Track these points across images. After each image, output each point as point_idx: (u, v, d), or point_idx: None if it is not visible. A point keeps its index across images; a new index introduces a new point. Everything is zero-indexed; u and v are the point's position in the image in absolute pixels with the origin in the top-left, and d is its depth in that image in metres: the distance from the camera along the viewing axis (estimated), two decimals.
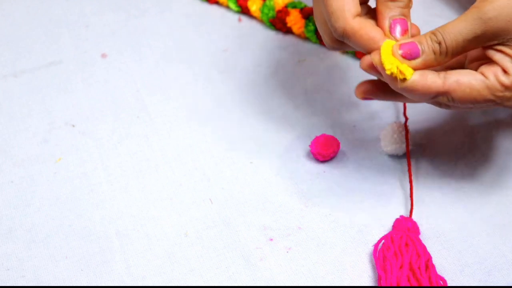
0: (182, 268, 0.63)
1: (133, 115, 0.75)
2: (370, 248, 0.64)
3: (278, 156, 0.71)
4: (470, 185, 0.67)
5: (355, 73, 0.77)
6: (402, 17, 0.60)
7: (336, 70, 0.77)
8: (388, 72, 0.57)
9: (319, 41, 0.79)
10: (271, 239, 0.65)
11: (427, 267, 0.61)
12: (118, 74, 0.78)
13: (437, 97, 0.58)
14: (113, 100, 0.76)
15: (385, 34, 0.59)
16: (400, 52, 0.58)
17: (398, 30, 0.59)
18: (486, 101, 0.58)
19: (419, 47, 0.58)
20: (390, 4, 0.59)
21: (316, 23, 0.63)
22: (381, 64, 0.58)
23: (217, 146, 0.72)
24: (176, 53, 0.80)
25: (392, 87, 0.58)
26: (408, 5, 0.60)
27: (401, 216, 0.65)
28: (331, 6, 0.59)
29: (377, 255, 0.62)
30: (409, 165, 0.68)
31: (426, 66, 0.58)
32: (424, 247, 0.62)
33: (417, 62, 0.58)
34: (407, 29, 0.59)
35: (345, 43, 0.61)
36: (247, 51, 0.80)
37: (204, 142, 0.72)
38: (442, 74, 0.58)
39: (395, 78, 0.57)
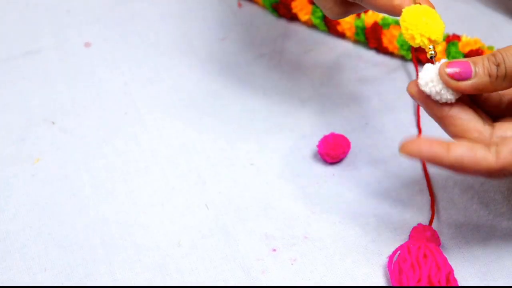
0: (174, 281, 0.63)
1: (120, 111, 0.75)
2: (384, 259, 0.64)
3: (282, 157, 0.71)
4: (496, 189, 0.67)
5: (367, 64, 0.77)
6: None
7: (347, 61, 0.77)
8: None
9: (328, 29, 0.79)
10: (274, 250, 0.65)
11: (448, 281, 0.61)
12: (104, 65, 0.78)
13: (490, 175, 0.57)
14: (98, 94, 0.76)
15: None
16: (447, 71, 0.58)
17: None
18: None
19: (472, 68, 0.58)
20: None
21: None
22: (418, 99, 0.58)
23: (214, 145, 0.72)
24: (168, 42, 0.80)
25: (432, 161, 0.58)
26: None
27: (419, 224, 0.65)
28: None
29: (392, 268, 0.62)
30: (424, 167, 0.68)
31: (478, 90, 0.58)
32: (445, 259, 0.62)
33: (467, 83, 0.58)
34: None
35: (353, 6, 0.61)
36: (247, 40, 0.80)
37: (199, 141, 0.72)
38: (493, 147, 0.57)
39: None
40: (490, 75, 0.58)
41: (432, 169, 0.69)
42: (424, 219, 0.66)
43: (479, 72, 0.58)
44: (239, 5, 0.83)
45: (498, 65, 0.58)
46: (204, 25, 0.81)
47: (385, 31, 0.76)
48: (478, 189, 0.67)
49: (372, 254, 0.64)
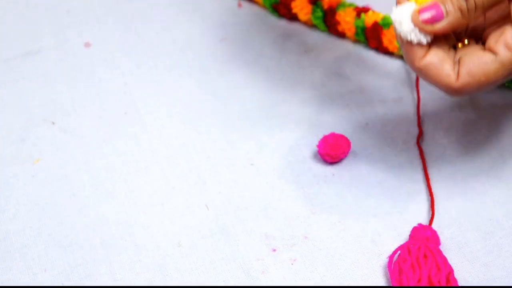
0: (174, 281, 0.63)
1: (120, 111, 0.75)
2: (384, 260, 0.64)
3: (282, 157, 0.71)
4: (496, 189, 0.67)
5: (368, 64, 0.77)
6: None
7: (347, 62, 0.77)
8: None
9: (328, 29, 0.79)
10: (274, 250, 0.65)
11: (448, 281, 0.61)
12: (104, 65, 0.78)
13: (452, 92, 0.60)
14: (98, 94, 0.76)
15: None
16: (420, 18, 0.59)
17: None
18: (505, 77, 0.59)
19: (442, 8, 0.59)
20: None
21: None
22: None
23: (214, 145, 0.72)
24: (168, 42, 0.80)
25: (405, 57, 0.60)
26: None
27: (419, 224, 0.65)
28: None
29: (392, 268, 0.62)
30: (424, 167, 0.68)
31: (453, 28, 0.59)
32: (445, 259, 0.62)
33: (441, 25, 0.59)
34: None
35: None
36: (248, 40, 0.80)
37: (199, 141, 0.72)
38: (457, 66, 0.59)
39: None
40: (461, 10, 0.59)
41: (432, 169, 0.69)
42: (424, 219, 0.66)
43: (450, 10, 0.59)
44: (239, 5, 0.83)
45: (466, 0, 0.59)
46: (204, 25, 0.81)
47: (385, 31, 0.76)
48: (478, 189, 0.67)
49: (372, 254, 0.64)
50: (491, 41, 0.59)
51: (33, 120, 0.74)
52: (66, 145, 0.72)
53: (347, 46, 0.79)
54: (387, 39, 0.76)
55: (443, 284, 0.61)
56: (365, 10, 0.77)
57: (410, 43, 0.60)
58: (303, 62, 0.78)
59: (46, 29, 0.81)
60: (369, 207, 0.67)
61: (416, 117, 0.73)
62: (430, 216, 0.66)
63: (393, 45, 0.76)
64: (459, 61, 0.59)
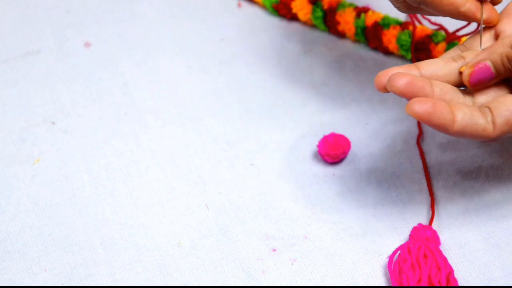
0: (175, 281, 0.63)
1: (120, 111, 0.75)
2: (384, 259, 0.64)
3: (282, 157, 0.71)
4: (496, 189, 0.67)
5: (367, 64, 0.77)
6: None
7: (347, 61, 0.78)
8: None
9: (328, 29, 0.79)
10: (274, 250, 0.65)
11: (448, 281, 0.61)
12: (103, 65, 0.78)
13: (491, 141, 0.60)
14: (98, 94, 0.76)
15: None
16: (471, 82, 0.60)
17: None
18: None
19: (493, 70, 0.60)
20: None
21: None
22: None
23: (214, 146, 0.72)
24: (168, 42, 0.80)
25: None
26: None
27: (420, 224, 0.65)
28: None
29: (392, 268, 0.63)
30: (425, 167, 0.68)
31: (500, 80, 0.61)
32: (445, 259, 0.62)
33: (490, 84, 0.61)
34: None
35: (422, 9, 0.64)
36: (247, 41, 0.80)
37: (200, 142, 0.72)
38: (489, 115, 0.59)
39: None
40: (509, 72, 0.60)
41: (432, 169, 0.69)
42: (424, 219, 0.66)
43: (500, 70, 0.60)
44: (239, 5, 0.83)
45: None
46: (204, 25, 0.81)
47: (385, 31, 0.76)
48: (478, 189, 0.67)
49: (372, 254, 0.64)
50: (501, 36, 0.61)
51: (33, 120, 0.74)
52: (66, 145, 0.72)
53: (347, 46, 0.79)
54: (387, 39, 0.76)
55: (443, 284, 0.61)
56: (365, 10, 0.78)
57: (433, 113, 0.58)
58: (303, 62, 0.78)
59: (46, 29, 0.81)
60: (369, 207, 0.67)
61: None
62: (430, 216, 0.66)
63: (392, 45, 0.76)
64: (490, 110, 0.59)
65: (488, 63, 0.60)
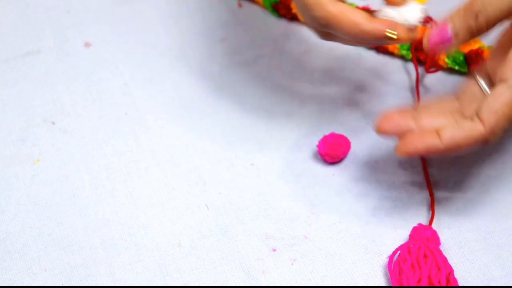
0: (175, 281, 0.63)
1: (120, 111, 0.75)
2: (384, 259, 0.64)
3: (282, 158, 0.71)
4: (497, 189, 0.68)
5: (367, 64, 0.77)
6: None
7: (347, 62, 0.77)
8: None
9: None
10: (274, 250, 0.65)
11: (448, 281, 0.61)
12: (103, 65, 0.78)
13: (487, 142, 0.59)
14: (98, 94, 0.76)
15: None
16: (429, 42, 0.60)
17: None
18: None
19: (450, 31, 0.59)
20: None
21: (303, 19, 0.64)
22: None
23: (214, 146, 0.72)
24: (168, 42, 0.80)
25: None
26: None
27: (419, 224, 0.65)
28: None
29: (392, 268, 0.63)
30: (424, 167, 0.68)
31: (460, 46, 0.60)
32: (445, 259, 0.62)
33: (451, 47, 0.60)
34: None
35: (335, 35, 0.63)
36: (247, 40, 0.80)
37: (200, 142, 0.72)
38: (474, 116, 0.58)
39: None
40: (470, 31, 0.59)
41: (432, 169, 0.69)
42: (424, 219, 0.66)
43: (458, 32, 0.59)
44: (239, 5, 0.83)
45: (476, 15, 0.59)
46: (204, 25, 0.81)
47: None
48: (478, 189, 0.67)
49: (372, 254, 0.64)
50: (498, 74, 0.59)
51: (33, 120, 0.74)
52: (66, 145, 0.72)
53: (347, 46, 0.79)
54: None
55: (443, 284, 0.61)
56: (365, 10, 0.77)
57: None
58: (302, 62, 0.78)
59: (46, 29, 0.81)
60: (369, 207, 0.67)
61: None
62: (430, 216, 0.66)
63: (393, 45, 0.76)
64: (475, 113, 0.59)
65: (448, 26, 0.60)
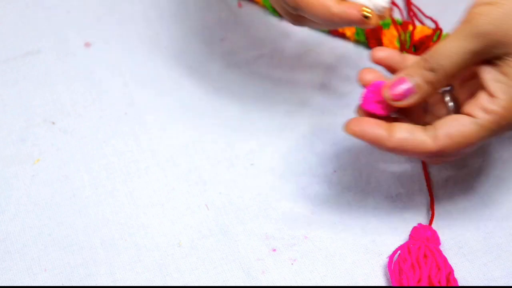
0: (175, 281, 0.63)
1: (120, 111, 0.75)
2: (384, 259, 0.64)
3: (282, 158, 0.71)
4: (496, 189, 0.68)
5: (368, 64, 0.77)
6: None
7: (347, 61, 0.77)
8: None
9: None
10: (274, 250, 0.65)
11: (448, 281, 0.61)
12: (103, 65, 0.78)
13: (430, 158, 0.60)
14: (98, 94, 0.76)
15: None
16: (391, 94, 0.60)
17: None
18: (485, 139, 0.59)
19: (411, 83, 0.60)
20: None
21: (272, 4, 0.65)
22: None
23: (214, 146, 0.72)
24: (168, 42, 0.80)
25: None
26: None
27: (419, 224, 0.65)
28: None
29: (392, 268, 0.63)
30: (424, 167, 0.69)
31: (423, 100, 0.60)
32: (445, 259, 0.62)
33: (412, 100, 0.60)
34: None
35: (305, 18, 0.63)
36: (247, 40, 0.80)
37: (200, 142, 0.72)
38: (431, 130, 0.59)
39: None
40: (431, 83, 0.59)
41: (432, 169, 0.69)
42: (424, 219, 0.66)
43: (419, 84, 0.60)
44: (239, 5, 0.83)
45: (433, 71, 0.59)
46: (204, 25, 0.81)
47: (385, 31, 0.76)
48: (478, 189, 0.68)
49: (372, 254, 0.64)
50: (467, 107, 0.59)
51: (33, 120, 0.74)
52: (66, 145, 0.72)
53: (347, 46, 0.79)
54: (387, 39, 0.76)
55: (443, 284, 0.61)
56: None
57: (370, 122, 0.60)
58: (303, 62, 0.78)
59: (46, 29, 0.81)
60: (369, 207, 0.67)
61: None
62: (430, 216, 0.66)
63: (393, 45, 0.76)
64: (434, 127, 0.59)
65: (407, 79, 0.60)
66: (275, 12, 0.81)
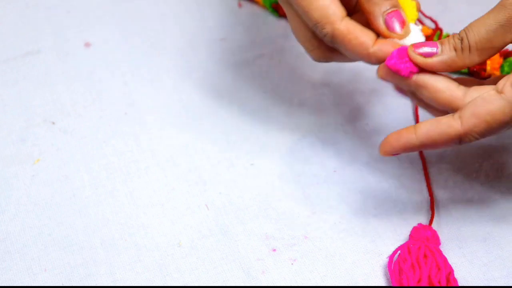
0: (175, 281, 0.63)
1: (120, 111, 0.75)
2: (384, 259, 0.64)
3: (282, 157, 0.71)
4: (496, 189, 0.68)
5: (367, 64, 0.77)
6: (395, 8, 0.61)
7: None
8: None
9: None
10: (274, 250, 0.65)
11: (448, 281, 0.61)
12: (103, 65, 0.78)
13: (461, 141, 0.59)
14: (98, 94, 0.76)
15: (382, 34, 0.61)
16: (416, 51, 0.59)
17: (396, 24, 0.61)
18: None
19: (438, 45, 0.60)
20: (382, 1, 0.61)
21: (297, 38, 0.64)
22: (388, 77, 0.60)
23: (214, 146, 0.72)
24: (168, 42, 0.80)
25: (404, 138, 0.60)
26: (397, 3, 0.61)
27: (419, 224, 0.65)
28: (315, 12, 0.60)
29: (392, 268, 0.63)
30: (424, 167, 0.68)
31: (448, 66, 0.59)
32: (445, 259, 0.62)
33: (436, 59, 0.59)
34: (405, 20, 0.61)
35: (335, 53, 0.63)
36: (247, 40, 0.80)
37: (200, 142, 0.72)
38: (457, 114, 0.58)
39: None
40: (456, 49, 0.59)
41: (432, 169, 0.69)
42: (424, 219, 0.66)
43: (445, 48, 0.59)
44: (239, 5, 0.83)
45: (461, 39, 0.59)
46: (204, 25, 0.81)
47: None
48: (478, 189, 0.67)
49: (372, 254, 0.64)
50: (499, 85, 0.59)
51: (33, 120, 0.74)
52: (66, 145, 0.72)
53: None
54: None
55: (443, 284, 0.61)
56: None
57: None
58: (303, 62, 0.78)
59: (46, 29, 0.81)
60: (369, 207, 0.67)
61: (415, 117, 0.73)
62: (430, 216, 0.66)
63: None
64: (462, 108, 0.59)
65: (436, 42, 0.60)
66: (274, 12, 0.81)
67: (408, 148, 0.60)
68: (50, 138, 0.73)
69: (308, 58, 0.78)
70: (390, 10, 0.61)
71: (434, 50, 0.60)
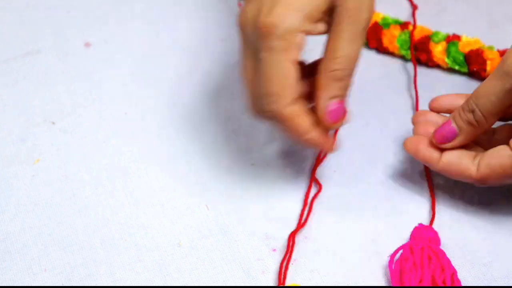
0: (175, 281, 0.63)
1: (120, 111, 0.75)
2: (385, 259, 0.64)
3: (282, 157, 0.71)
4: (496, 189, 0.67)
5: (369, 64, 0.77)
6: (341, 99, 0.63)
7: None
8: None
9: None
10: (274, 250, 0.65)
11: (452, 282, 0.61)
12: (103, 65, 0.78)
13: (476, 184, 0.63)
14: (98, 94, 0.76)
15: (322, 121, 0.62)
16: (436, 140, 0.63)
17: (333, 116, 0.62)
18: None
19: (454, 126, 0.63)
20: (332, 84, 0.62)
21: (243, 81, 0.64)
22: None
23: (214, 146, 0.72)
24: (169, 42, 0.80)
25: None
26: (350, 86, 0.63)
27: (420, 224, 0.65)
28: (271, 85, 0.60)
29: (393, 268, 0.62)
30: (425, 167, 0.68)
31: (469, 141, 0.63)
32: (448, 261, 0.62)
33: (457, 142, 0.63)
34: (345, 115, 0.63)
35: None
36: None
37: (200, 142, 0.72)
38: (477, 159, 0.62)
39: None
40: (471, 124, 0.62)
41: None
42: (424, 219, 0.66)
43: (461, 126, 0.63)
44: (239, 5, 0.83)
45: (473, 112, 0.62)
46: (204, 25, 0.81)
47: (385, 31, 0.76)
48: (478, 189, 0.67)
49: (372, 254, 0.64)
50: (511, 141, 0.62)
51: (33, 120, 0.74)
52: (66, 145, 0.72)
53: None
54: (387, 39, 0.76)
55: (448, 285, 0.61)
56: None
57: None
58: None
59: (46, 29, 0.81)
60: (369, 207, 0.67)
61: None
62: (431, 216, 0.66)
63: (393, 45, 0.76)
64: (483, 154, 0.62)
65: (451, 121, 0.63)
66: None
67: (427, 163, 0.65)
68: (50, 138, 0.73)
69: (307, 58, 0.78)
70: (336, 100, 0.62)
71: (453, 133, 0.63)
